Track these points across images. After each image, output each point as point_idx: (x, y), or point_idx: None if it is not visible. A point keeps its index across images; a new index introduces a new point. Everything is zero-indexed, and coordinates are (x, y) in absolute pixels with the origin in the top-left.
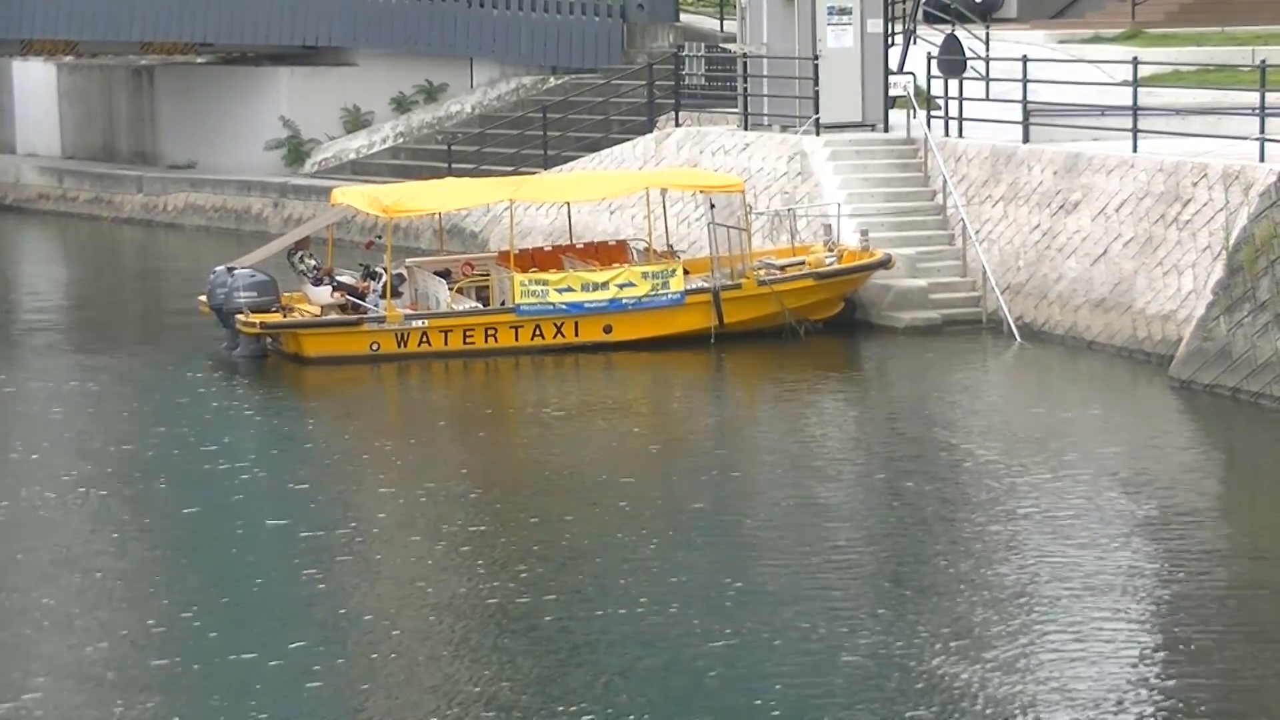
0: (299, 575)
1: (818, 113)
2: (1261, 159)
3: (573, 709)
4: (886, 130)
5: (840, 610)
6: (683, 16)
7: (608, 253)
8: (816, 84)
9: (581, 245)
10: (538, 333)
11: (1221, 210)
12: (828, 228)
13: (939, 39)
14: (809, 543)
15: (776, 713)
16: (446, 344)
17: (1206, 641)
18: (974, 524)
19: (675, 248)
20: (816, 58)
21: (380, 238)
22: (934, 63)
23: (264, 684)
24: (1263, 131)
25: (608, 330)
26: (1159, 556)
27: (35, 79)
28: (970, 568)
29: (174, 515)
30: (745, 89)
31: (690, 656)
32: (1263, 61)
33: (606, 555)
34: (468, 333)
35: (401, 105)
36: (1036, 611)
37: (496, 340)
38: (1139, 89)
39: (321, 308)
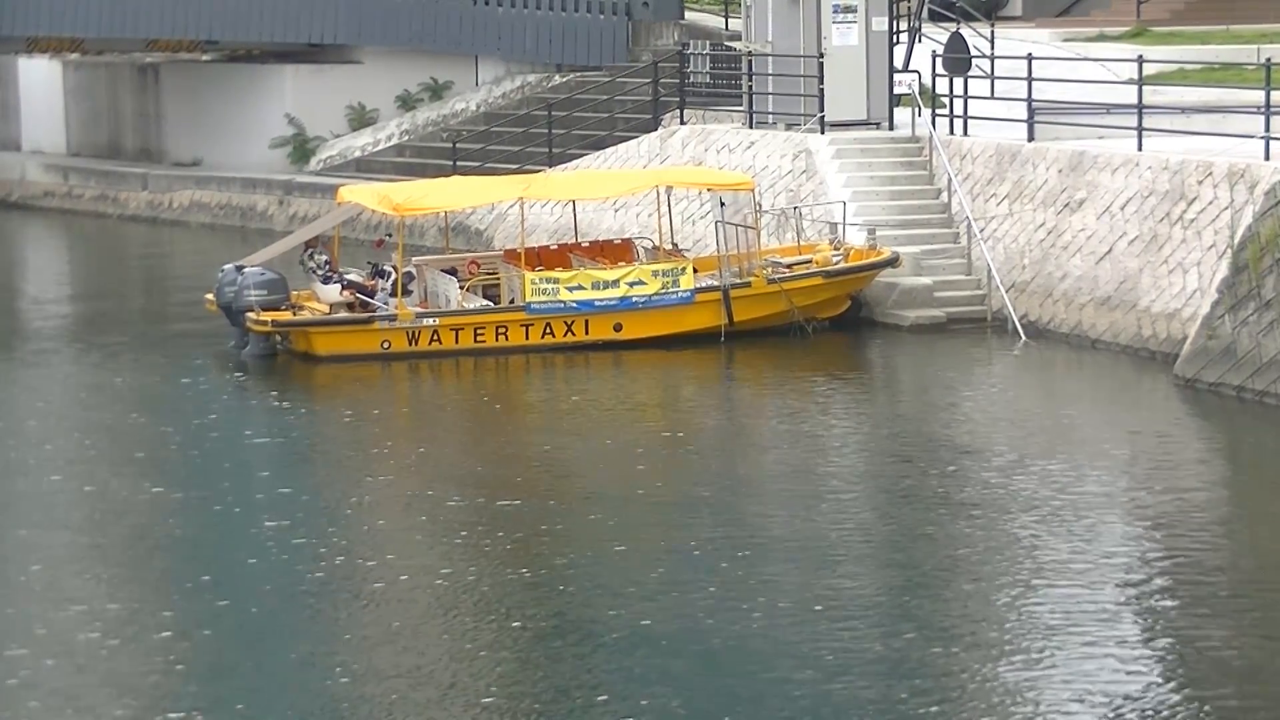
0: (304, 575)
1: (822, 111)
2: (1266, 157)
3: (584, 705)
4: (891, 128)
5: (847, 606)
6: (688, 14)
7: (613, 251)
8: (821, 82)
9: (587, 244)
10: (548, 331)
11: (1226, 209)
12: (832, 226)
13: (944, 37)
14: (817, 539)
15: (800, 713)
16: (457, 342)
17: (1211, 638)
18: (979, 521)
19: (679, 246)
20: (821, 55)
21: (390, 236)
22: (939, 61)
23: (270, 684)
24: (1268, 130)
25: (618, 328)
26: (1163, 553)
27: (41, 76)
28: (976, 564)
29: (181, 512)
30: (750, 87)
31: (694, 654)
32: (1268, 60)
33: (618, 553)
34: (478, 331)
35: (406, 103)
36: (1041, 609)
37: (507, 338)
38: (1144, 87)
39: (330, 306)
